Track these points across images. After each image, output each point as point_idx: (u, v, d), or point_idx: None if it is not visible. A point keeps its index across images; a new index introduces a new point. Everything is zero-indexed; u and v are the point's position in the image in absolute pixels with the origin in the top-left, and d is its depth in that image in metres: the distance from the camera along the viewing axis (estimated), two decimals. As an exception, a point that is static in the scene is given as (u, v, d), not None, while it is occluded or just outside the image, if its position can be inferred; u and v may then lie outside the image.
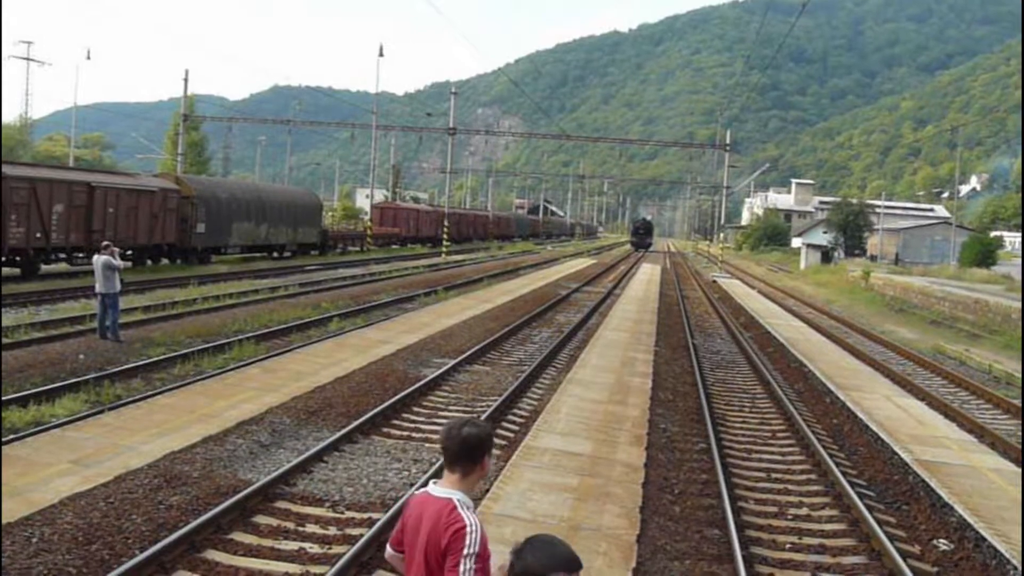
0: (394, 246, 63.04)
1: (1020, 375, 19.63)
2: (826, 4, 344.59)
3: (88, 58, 72.06)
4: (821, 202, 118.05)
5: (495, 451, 10.71)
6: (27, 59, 73.08)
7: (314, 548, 7.42)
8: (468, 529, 3.13)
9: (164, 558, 6.74)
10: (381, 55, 53.64)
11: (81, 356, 14.50)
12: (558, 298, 30.73)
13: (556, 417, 12.02)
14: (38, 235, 26.28)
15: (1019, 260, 61.53)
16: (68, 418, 10.61)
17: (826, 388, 16.57)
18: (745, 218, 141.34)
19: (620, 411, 12.83)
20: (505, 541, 4.93)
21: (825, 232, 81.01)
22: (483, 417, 11.87)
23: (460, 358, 16.56)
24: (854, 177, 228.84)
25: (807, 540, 8.76)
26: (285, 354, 15.75)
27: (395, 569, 3.55)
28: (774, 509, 9.69)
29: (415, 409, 12.80)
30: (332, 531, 7.88)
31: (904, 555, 8.13)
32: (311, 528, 7.92)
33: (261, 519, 7.97)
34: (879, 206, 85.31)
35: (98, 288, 16.26)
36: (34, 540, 6.75)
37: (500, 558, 3.03)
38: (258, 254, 42.48)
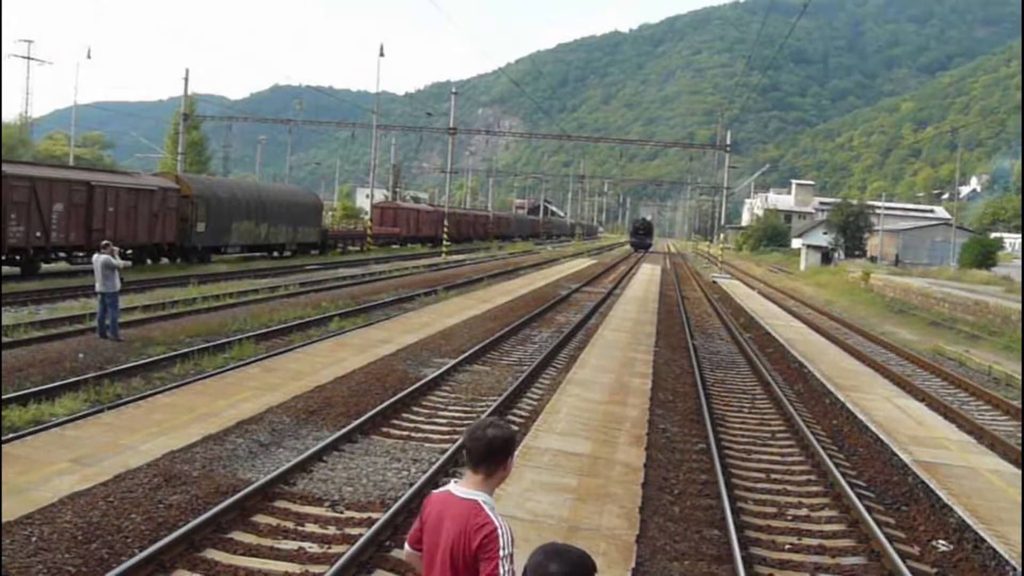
0: (394, 246, 63.04)
1: (1020, 376, 19.63)
2: (827, 5, 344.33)
3: (88, 57, 72.24)
4: (821, 203, 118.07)
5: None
6: (27, 58, 73.08)
7: (313, 548, 7.42)
8: (500, 531, 3.12)
9: (163, 557, 6.74)
10: (382, 55, 53.65)
11: (81, 355, 14.49)
12: (558, 298, 30.73)
13: (556, 417, 12.02)
14: (38, 234, 26.28)
15: (1019, 262, 61.52)
16: (68, 417, 10.61)
17: (826, 389, 16.57)
18: (745, 219, 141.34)
19: (620, 411, 12.83)
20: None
21: (825, 233, 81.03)
22: (483, 416, 11.87)
23: (460, 358, 16.56)
24: (854, 178, 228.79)
25: (806, 541, 8.77)
26: (285, 353, 15.76)
27: (413, 567, 3.55)
28: (773, 510, 9.69)
29: (415, 409, 12.80)
30: (331, 531, 7.88)
31: (903, 556, 8.14)
32: (310, 528, 7.92)
33: (260, 518, 7.97)
34: (879, 207, 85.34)
35: (98, 287, 16.27)
36: (34, 539, 6.76)
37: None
38: (258, 253, 42.48)
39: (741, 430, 13.45)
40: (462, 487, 3.27)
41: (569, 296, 32.42)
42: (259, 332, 18.29)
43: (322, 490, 8.91)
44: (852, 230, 77.72)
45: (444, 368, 15.38)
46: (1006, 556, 8.04)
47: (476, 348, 17.83)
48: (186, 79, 54.81)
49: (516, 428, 12.05)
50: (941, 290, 37.74)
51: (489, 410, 12.41)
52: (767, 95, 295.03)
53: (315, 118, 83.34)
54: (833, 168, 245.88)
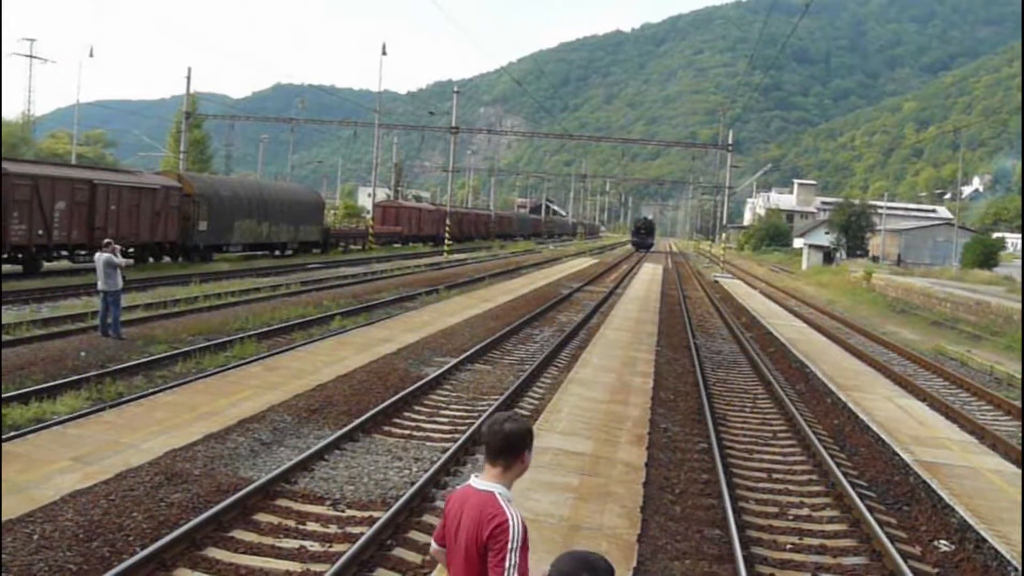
0: (396, 245, 63.05)
1: (1021, 376, 19.61)
2: (829, 5, 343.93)
3: (91, 55, 72.37)
4: (823, 203, 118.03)
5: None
6: (30, 56, 73.19)
7: (315, 546, 7.42)
8: (511, 523, 3.16)
9: (165, 556, 6.75)
10: (384, 54, 53.70)
11: (83, 353, 14.50)
12: (559, 297, 30.73)
13: (557, 416, 12.02)
14: (40, 232, 26.30)
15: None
16: (69, 415, 10.62)
17: (827, 388, 16.56)
18: (747, 218, 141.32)
19: (621, 411, 12.83)
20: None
21: (827, 233, 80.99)
22: (483, 417, 11.88)
23: (462, 357, 16.56)
24: (856, 178, 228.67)
25: (808, 540, 8.76)
26: (287, 352, 15.77)
27: (440, 564, 3.60)
28: (775, 509, 9.69)
29: (416, 408, 12.80)
30: (333, 529, 7.88)
31: (905, 556, 8.13)
32: (312, 526, 7.92)
33: (262, 517, 7.97)
34: (881, 207, 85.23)
35: (100, 285, 16.28)
36: (35, 537, 6.76)
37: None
38: (260, 252, 42.48)
39: (743, 429, 13.44)
40: (481, 480, 3.33)
41: (571, 295, 32.42)
42: (261, 331, 18.30)
43: (323, 489, 8.91)
44: (854, 230, 77.66)
45: (446, 367, 15.38)
46: (1008, 556, 8.03)
47: (478, 347, 17.82)
48: (188, 78, 54.85)
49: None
50: (943, 290, 37.71)
51: (491, 409, 12.40)
52: (769, 95, 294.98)
53: (317, 117, 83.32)
54: (835, 168, 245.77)
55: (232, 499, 7.94)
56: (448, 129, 61.00)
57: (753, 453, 12.05)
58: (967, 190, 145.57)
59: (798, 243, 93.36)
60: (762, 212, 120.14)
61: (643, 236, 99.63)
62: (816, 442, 12.09)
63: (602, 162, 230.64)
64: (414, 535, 7.85)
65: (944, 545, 8.81)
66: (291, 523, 7.92)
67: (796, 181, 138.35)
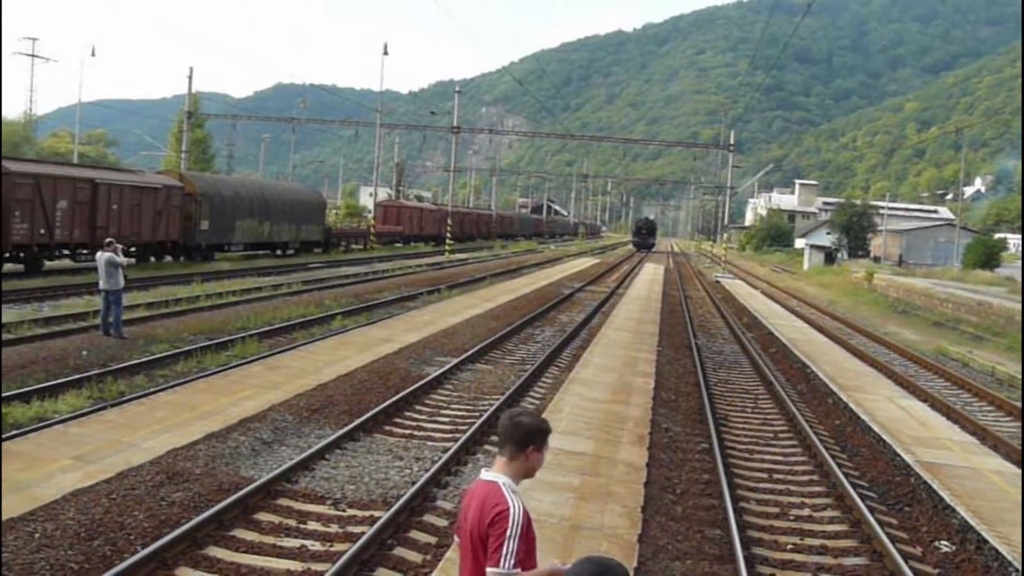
0: (397, 244, 63.06)
1: (1021, 377, 19.59)
2: (831, 5, 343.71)
3: (93, 55, 72.23)
4: (825, 203, 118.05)
5: (494, 449, 10.71)
6: (32, 56, 73.20)
7: (316, 546, 7.43)
8: (511, 511, 3.18)
9: (166, 555, 6.75)
10: (386, 53, 53.72)
11: (84, 352, 14.51)
12: (561, 297, 30.73)
13: (558, 416, 12.01)
14: (42, 231, 26.31)
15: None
16: (71, 414, 10.63)
17: (828, 389, 16.56)
18: (749, 219, 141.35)
19: (622, 411, 12.83)
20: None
21: (828, 233, 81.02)
22: (484, 417, 11.88)
23: (463, 356, 16.56)
24: (858, 178, 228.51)
25: (809, 541, 8.76)
26: (288, 351, 15.77)
27: None
28: (776, 510, 9.69)
29: (417, 407, 12.80)
30: (334, 529, 7.88)
31: (906, 557, 8.13)
32: (313, 526, 7.92)
33: (263, 516, 7.98)
34: (883, 207, 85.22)
35: (101, 285, 16.29)
36: (36, 536, 6.77)
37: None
38: (261, 252, 42.50)
39: (744, 430, 13.44)
40: (490, 472, 3.39)
41: (572, 295, 32.42)
42: (262, 330, 18.30)
43: (324, 488, 8.92)
44: (855, 230, 77.66)
45: (447, 367, 15.38)
46: (1009, 557, 8.03)
47: (479, 347, 17.83)
48: (190, 77, 54.93)
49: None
50: (944, 291, 37.68)
51: (492, 409, 12.40)
52: (771, 95, 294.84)
53: (319, 116, 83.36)
54: (837, 168, 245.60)
55: (233, 498, 7.95)
56: (450, 129, 61.00)
57: (754, 453, 12.05)
58: (969, 191, 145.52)
59: (799, 243, 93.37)
60: (763, 212, 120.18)
61: (644, 236, 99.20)
62: (817, 442, 12.09)
63: (603, 162, 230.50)
64: (415, 535, 7.85)
65: (945, 546, 8.80)
66: (292, 522, 7.92)
67: (798, 181, 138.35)
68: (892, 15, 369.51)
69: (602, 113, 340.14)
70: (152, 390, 12.22)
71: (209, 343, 16.17)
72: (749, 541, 8.49)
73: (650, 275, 47.81)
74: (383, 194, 77.14)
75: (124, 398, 11.71)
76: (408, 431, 11.51)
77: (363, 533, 7.47)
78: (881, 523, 9.02)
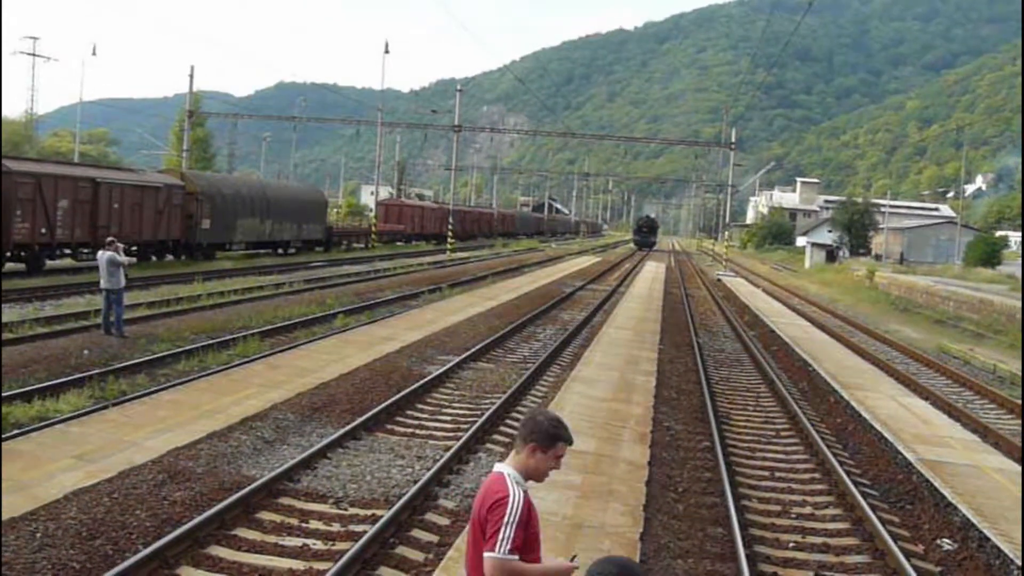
0: (399, 243, 63.06)
1: (1022, 375, 19.60)
2: (832, 3, 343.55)
3: (94, 54, 72.52)
4: (826, 201, 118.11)
5: (495, 448, 10.71)
6: (33, 55, 73.25)
7: (317, 545, 7.43)
8: (510, 498, 3.21)
9: (168, 554, 6.75)
10: (387, 52, 53.75)
11: (85, 352, 14.52)
12: (562, 296, 30.73)
13: (560, 414, 11.99)
14: (43, 231, 26.32)
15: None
16: (72, 413, 10.63)
17: (830, 387, 16.55)
18: (750, 217, 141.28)
19: (624, 409, 12.83)
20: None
21: (830, 231, 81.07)
22: (486, 415, 11.88)
23: (464, 355, 16.56)
24: (859, 176, 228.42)
25: (811, 539, 8.76)
26: (289, 350, 15.77)
27: None
28: (778, 508, 9.69)
29: (419, 406, 12.80)
30: (336, 528, 7.88)
31: (908, 555, 8.13)
32: (314, 525, 7.92)
33: (265, 515, 7.98)
34: (884, 205, 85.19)
35: (103, 284, 16.29)
36: (38, 535, 6.78)
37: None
38: (262, 250, 42.50)
39: (745, 428, 13.44)
40: (501, 463, 3.47)
41: (573, 294, 32.42)
42: (263, 329, 18.30)
43: (326, 487, 8.92)
44: (857, 228, 77.62)
45: (448, 365, 15.38)
46: (1010, 555, 8.02)
47: (480, 345, 17.83)
48: (191, 76, 54.88)
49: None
50: (946, 288, 37.65)
51: (493, 408, 12.40)
52: (772, 93, 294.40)
53: (320, 115, 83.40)
54: (838, 166, 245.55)
55: (235, 497, 7.95)
56: (451, 127, 60.96)
57: (756, 451, 12.05)
58: (970, 188, 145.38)
59: (801, 241, 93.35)
60: (765, 210, 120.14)
61: (646, 234, 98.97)
62: (819, 440, 12.09)
63: (605, 160, 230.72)
64: (417, 533, 7.85)
65: (947, 544, 8.80)
66: (294, 521, 7.92)
67: (799, 179, 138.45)
68: (893, 13, 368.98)
69: (603, 111, 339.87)
70: (153, 389, 12.22)
71: (211, 342, 16.17)
72: (751, 539, 8.48)
73: (651, 273, 47.80)
74: (384, 193, 77.16)
75: (125, 397, 11.71)
76: (410, 430, 11.51)
77: (365, 532, 7.47)
78: (883, 521, 9.01)
